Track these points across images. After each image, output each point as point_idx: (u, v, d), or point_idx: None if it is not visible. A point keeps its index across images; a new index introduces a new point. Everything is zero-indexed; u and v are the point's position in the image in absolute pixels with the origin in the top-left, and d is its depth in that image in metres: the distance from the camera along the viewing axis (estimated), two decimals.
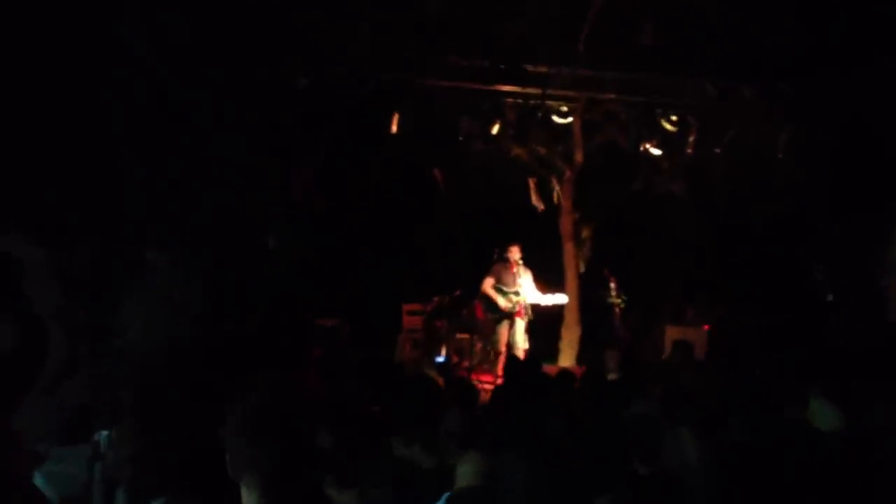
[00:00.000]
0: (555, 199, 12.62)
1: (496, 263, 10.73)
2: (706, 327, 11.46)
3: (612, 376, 8.22)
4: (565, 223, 12.70)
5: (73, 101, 6.50)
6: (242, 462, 2.53)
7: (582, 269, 12.58)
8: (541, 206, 12.40)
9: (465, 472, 3.66)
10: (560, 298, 11.09)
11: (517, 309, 10.51)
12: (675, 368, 8.09)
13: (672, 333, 11.13)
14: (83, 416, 4.96)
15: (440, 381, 9.14)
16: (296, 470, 2.51)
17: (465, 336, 11.48)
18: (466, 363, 11.14)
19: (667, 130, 11.24)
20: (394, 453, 4.54)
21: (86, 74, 6.56)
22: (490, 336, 10.96)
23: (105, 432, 4.54)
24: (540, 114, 11.13)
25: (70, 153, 6.49)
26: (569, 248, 12.67)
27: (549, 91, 10.90)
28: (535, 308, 10.74)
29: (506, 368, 8.76)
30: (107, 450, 4.47)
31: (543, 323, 11.55)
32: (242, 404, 2.61)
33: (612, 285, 11.85)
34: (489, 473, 3.64)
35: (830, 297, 12.43)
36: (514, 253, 10.66)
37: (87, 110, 6.58)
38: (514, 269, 10.61)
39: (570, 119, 11.37)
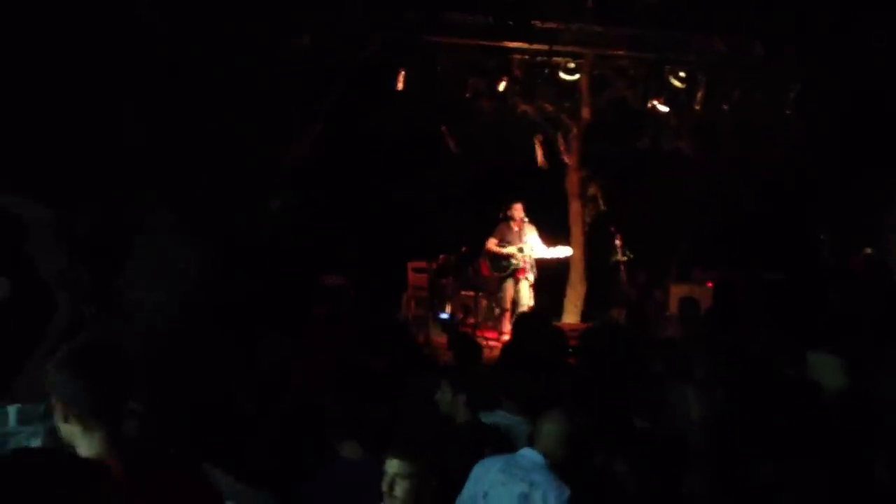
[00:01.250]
0: (562, 156, 12.58)
1: (500, 223, 10.76)
2: (710, 285, 11.46)
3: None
4: (572, 180, 12.67)
5: (75, 62, 6.47)
6: None
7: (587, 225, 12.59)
8: (546, 166, 12.35)
9: (550, 432, 3.85)
10: (564, 251, 11.13)
11: (522, 265, 10.56)
12: (676, 325, 8.12)
13: (677, 291, 11.16)
14: None
15: (441, 338, 9.28)
16: None
17: (471, 293, 11.52)
18: (472, 320, 11.19)
19: (675, 87, 11.15)
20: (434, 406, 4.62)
21: (86, 34, 6.52)
22: (495, 293, 11.02)
23: None
24: (547, 70, 11.06)
25: (72, 114, 6.48)
26: (575, 206, 12.66)
27: (557, 47, 10.81)
28: (541, 264, 10.78)
29: (515, 325, 8.80)
30: None
31: (548, 280, 11.59)
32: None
33: (618, 243, 11.83)
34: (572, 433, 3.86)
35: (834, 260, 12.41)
36: (518, 211, 10.69)
37: (88, 71, 6.54)
38: (518, 228, 10.65)
39: (577, 76, 11.29)
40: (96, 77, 6.56)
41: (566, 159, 12.59)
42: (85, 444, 2.27)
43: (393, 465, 3.27)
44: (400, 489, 3.24)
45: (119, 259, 6.57)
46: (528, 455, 3.84)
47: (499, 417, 4.72)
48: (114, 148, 6.69)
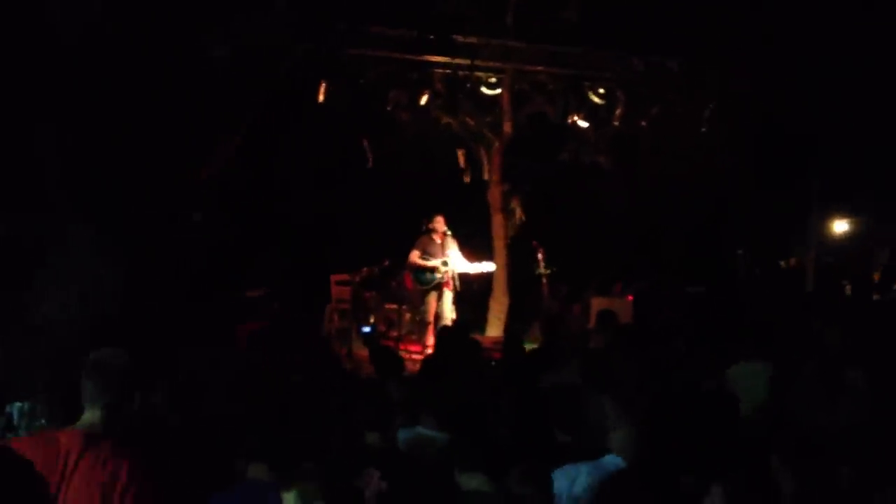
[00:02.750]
0: (484, 171, 12.66)
1: (422, 235, 10.76)
2: (630, 298, 11.65)
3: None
4: (494, 194, 12.76)
5: None
6: None
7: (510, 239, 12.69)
8: (467, 178, 12.42)
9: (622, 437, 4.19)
10: (488, 266, 11.18)
11: (445, 279, 10.57)
12: (596, 338, 8.20)
13: (598, 304, 11.30)
14: None
15: (364, 351, 9.23)
16: None
17: (394, 306, 11.49)
18: (395, 333, 11.16)
19: (594, 103, 11.33)
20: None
21: None
22: (419, 306, 11.00)
23: (18, 404, 4.47)
24: (469, 85, 11.12)
25: None
26: (497, 219, 12.74)
27: (478, 62, 10.88)
28: (463, 278, 10.81)
29: (437, 338, 8.80)
30: (19, 421, 4.40)
31: (471, 294, 11.63)
32: None
33: (540, 256, 11.95)
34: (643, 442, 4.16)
35: (753, 271, 12.74)
36: (440, 223, 10.70)
37: None
38: (440, 240, 10.66)
39: (498, 90, 11.38)
40: (3, 85, 6.36)
41: (488, 173, 12.67)
42: None
43: (289, 499, 3.22)
44: None
45: (29, 271, 6.38)
46: (612, 461, 4.13)
47: (417, 433, 4.69)
48: (24, 157, 6.49)
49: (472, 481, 3.91)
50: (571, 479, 4.07)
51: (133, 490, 2.78)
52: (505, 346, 7.45)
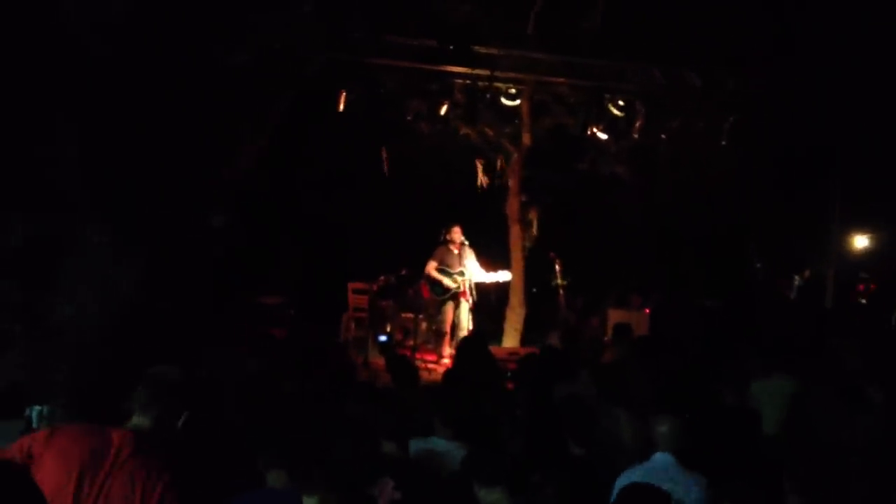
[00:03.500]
0: (505, 180, 12.68)
1: (439, 246, 10.78)
2: (647, 311, 11.61)
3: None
4: (512, 205, 12.76)
5: (1, 71, 6.31)
6: None
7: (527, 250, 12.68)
8: (484, 183, 12.44)
9: (666, 433, 4.40)
10: (504, 276, 11.18)
11: (462, 289, 10.59)
12: (612, 351, 8.18)
13: (615, 317, 11.27)
14: (15, 392, 4.91)
15: (381, 360, 9.23)
16: None
17: (411, 315, 11.49)
18: (411, 342, 11.16)
19: (614, 115, 11.30)
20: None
21: (14, 44, 6.37)
22: (435, 316, 11.01)
23: (37, 407, 4.51)
24: (488, 95, 11.13)
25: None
26: (515, 230, 12.74)
27: (498, 73, 10.89)
28: (480, 288, 10.81)
29: (457, 349, 8.79)
30: (38, 424, 4.44)
31: (488, 304, 11.63)
32: None
33: (557, 268, 11.93)
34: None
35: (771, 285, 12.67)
36: (457, 234, 10.73)
37: (16, 80, 6.39)
38: (457, 250, 10.68)
39: (518, 101, 11.38)
40: (25, 86, 6.41)
41: (507, 184, 12.69)
42: None
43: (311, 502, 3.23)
44: None
45: (49, 274, 6.42)
46: (662, 459, 4.33)
47: (432, 444, 4.69)
48: (44, 159, 6.54)
49: (491, 495, 3.91)
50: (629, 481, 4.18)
51: (170, 492, 2.93)
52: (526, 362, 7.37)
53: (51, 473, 2.84)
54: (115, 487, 2.89)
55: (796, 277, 12.06)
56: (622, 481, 4.25)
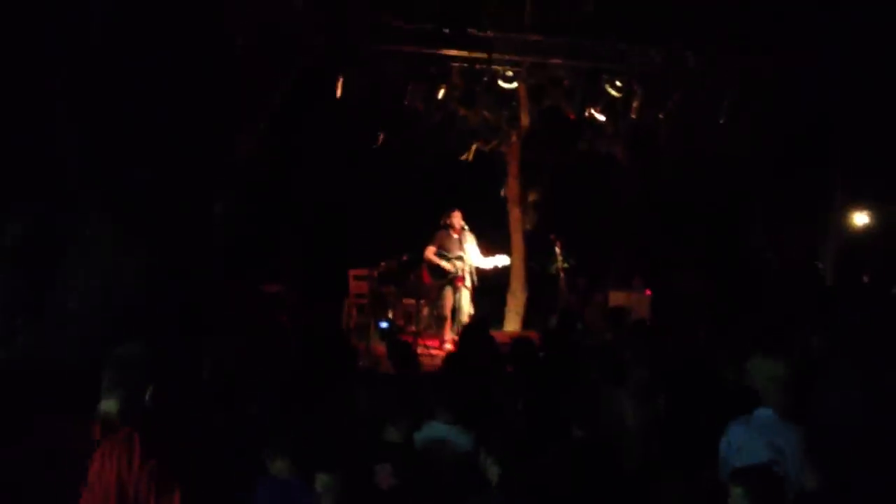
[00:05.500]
0: (505, 162, 12.68)
1: (438, 231, 10.79)
2: (648, 292, 11.61)
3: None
4: (512, 187, 12.76)
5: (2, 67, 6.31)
6: None
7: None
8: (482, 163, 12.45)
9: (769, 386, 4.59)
10: (502, 260, 11.17)
11: (460, 274, 10.60)
12: (609, 334, 8.21)
13: (616, 299, 11.26)
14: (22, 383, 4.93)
15: (382, 346, 9.25)
16: None
17: (412, 301, 11.48)
18: (413, 328, 11.17)
19: (612, 96, 11.27)
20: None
21: (14, 36, 6.36)
22: (436, 301, 11.02)
23: None
24: (486, 78, 11.10)
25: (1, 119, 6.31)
26: (515, 213, 12.74)
27: (495, 55, 10.86)
28: (480, 273, 10.82)
29: (460, 334, 8.81)
30: None
31: (489, 288, 11.63)
32: None
33: (558, 250, 11.92)
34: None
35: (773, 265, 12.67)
36: (457, 218, 10.74)
37: (15, 70, 6.38)
38: (457, 235, 10.70)
39: (515, 84, 11.34)
40: (24, 76, 6.40)
41: (506, 166, 12.69)
42: None
43: (321, 481, 3.26)
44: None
45: (52, 265, 6.44)
46: (763, 413, 4.51)
47: (433, 429, 4.71)
48: (45, 150, 6.54)
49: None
50: (735, 431, 4.56)
51: (145, 477, 2.90)
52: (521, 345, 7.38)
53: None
54: (91, 481, 2.93)
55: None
56: (732, 432, 4.55)
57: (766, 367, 6.27)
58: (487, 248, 10.98)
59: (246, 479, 3.72)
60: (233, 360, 6.00)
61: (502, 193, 12.86)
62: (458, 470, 4.34)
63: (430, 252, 10.73)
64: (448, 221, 10.76)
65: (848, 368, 5.65)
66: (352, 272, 11.80)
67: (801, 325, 7.73)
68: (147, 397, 3.06)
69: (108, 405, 3.06)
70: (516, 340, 7.29)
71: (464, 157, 12.51)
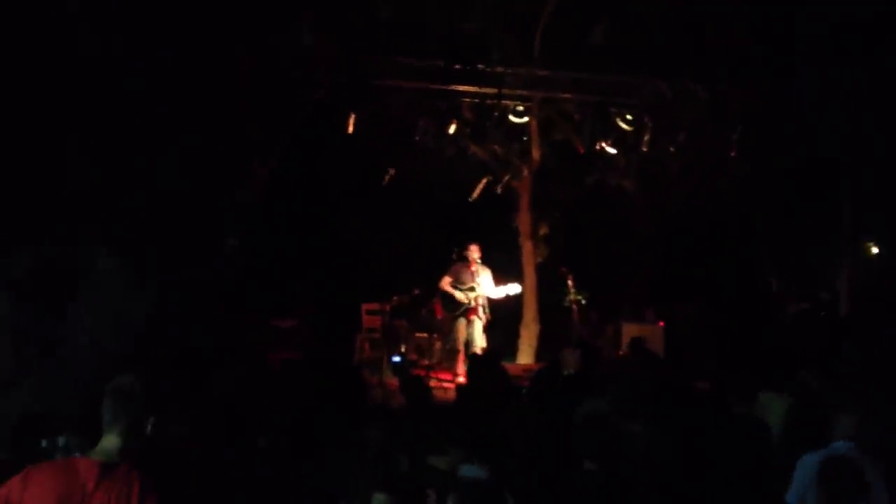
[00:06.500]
0: (516, 196, 12.71)
1: (455, 263, 10.84)
2: (661, 324, 11.57)
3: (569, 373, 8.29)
4: (523, 221, 12.78)
5: (12, 98, 6.37)
6: None
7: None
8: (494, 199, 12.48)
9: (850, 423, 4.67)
10: (514, 289, 11.17)
11: (472, 305, 10.62)
12: (629, 365, 8.17)
13: (629, 331, 11.23)
14: (30, 424, 4.92)
15: (395, 380, 9.24)
16: None
17: (424, 335, 11.49)
18: (426, 362, 11.15)
19: (622, 129, 11.32)
20: None
21: (25, 69, 6.43)
22: (448, 334, 11.01)
23: (62, 438, 4.53)
24: (496, 113, 11.17)
25: (9, 152, 6.36)
26: (527, 246, 12.75)
27: (505, 90, 10.95)
28: (493, 305, 10.83)
29: (468, 367, 8.80)
30: (56, 456, 4.46)
31: (502, 321, 11.61)
32: None
33: (570, 283, 11.91)
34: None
35: (784, 296, 12.60)
36: (474, 252, 10.79)
37: (27, 107, 6.45)
38: (473, 268, 10.74)
39: (526, 118, 11.41)
40: (36, 113, 6.46)
41: (518, 200, 12.73)
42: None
43: (377, 500, 3.27)
44: None
45: (62, 303, 6.46)
46: (843, 446, 4.56)
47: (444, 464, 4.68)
48: (55, 187, 6.58)
49: None
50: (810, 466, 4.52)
51: None
52: (543, 376, 7.38)
53: None
54: None
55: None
56: (806, 463, 4.58)
57: (774, 403, 6.28)
58: (500, 281, 10.99)
59: None
60: (243, 394, 6.01)
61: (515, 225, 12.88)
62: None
63: (446, 283, 10.82)
64: (465, 254, 10.84)
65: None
66: (364, 307, 11.82)
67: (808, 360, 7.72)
68: (148, 430, 3.02)
69: (110, 441, 3.00)
70: (538, 374, 7.28)
71: (472, 199, 12.55)
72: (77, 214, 6.64)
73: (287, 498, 4.09)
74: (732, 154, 11.22)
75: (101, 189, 6.80)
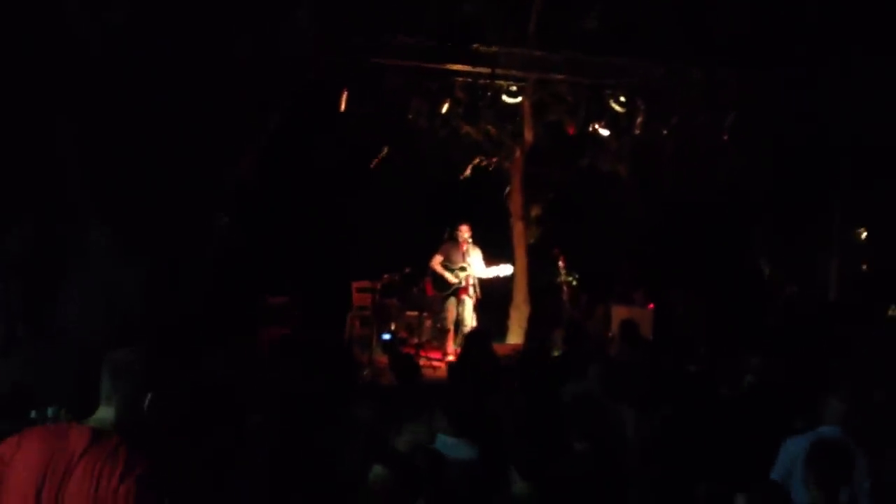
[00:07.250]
0: (508, 177, 12.71)
1: (446, 242, 10.88)
2: (651, 307, 11.61)
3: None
4: (515, 202, 12.79)
5: (3, 77, 6.33)
6: None
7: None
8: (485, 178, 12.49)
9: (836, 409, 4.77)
10: (505, 269, 11.22)
11: (463, 284, 10.67)
12: (617, 347, 8.21)
13: (619, 313, 11.27)
14: (20, 394, 4.94)
15: (385, 358, 9.27)
16: None
17: (415, 313, 11.51)
18: (416, 340, 11.19)
19: (615, 111, 11.31)
20: None
21: (19, 50, 6.39)
22: (439, 313, 11.05)
23: (51, 409, 4.54)
24: (489, 93, 11.15)
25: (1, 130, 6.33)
26: (518, 227, 12.77)
27: (499, 71, 10.92)
28: (484, 285, 10.86)
29: (462, 345, 8.85)
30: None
31: (493, 302, 11.65)
32: None
33: (561, 264, 11.94)
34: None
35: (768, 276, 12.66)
36: (464, 232, 10.84)
37: (17, 83, 6.41)
38: (464, 248, 10.78)
39: (519, 99, 11.39)
40: (25, 89, 6.42)
41: (510, 181, 12.72)
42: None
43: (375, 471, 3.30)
44: None
45: (53, 277, 6.45)
46: (829, 431, 4.63)
47: (438, 441, 4.70)
48: (46, 162, 6.55)
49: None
50: (796, 446, 4.60)
51: (125, 486, 2.82)
52: (529, 356, 7.44)
53: (19, 478, 2.84)
54: (72, 486, 2.85)
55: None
56: (792, 445, 4.65)
57: None
58: (491, 262, 11.03)
59: (248, 488, 3.72)
60: (235, 371, 6.02)
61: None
62: (465, 481, 4.35)
63: (437, 262, 10.88)
64: (456, 234, 10.88)
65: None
66: (355, 285, 11.83)
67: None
68: (145, 406, 3.03)
69: (105, 413, 2.99)
70: (523, 354, 7.33)
71: (462, 177, 12.55)
72: (68, 189, 6.61)
73: (279, 474, 4.11)
74: (725, 139, 11.23)
75: (91, 165, 6.77)
